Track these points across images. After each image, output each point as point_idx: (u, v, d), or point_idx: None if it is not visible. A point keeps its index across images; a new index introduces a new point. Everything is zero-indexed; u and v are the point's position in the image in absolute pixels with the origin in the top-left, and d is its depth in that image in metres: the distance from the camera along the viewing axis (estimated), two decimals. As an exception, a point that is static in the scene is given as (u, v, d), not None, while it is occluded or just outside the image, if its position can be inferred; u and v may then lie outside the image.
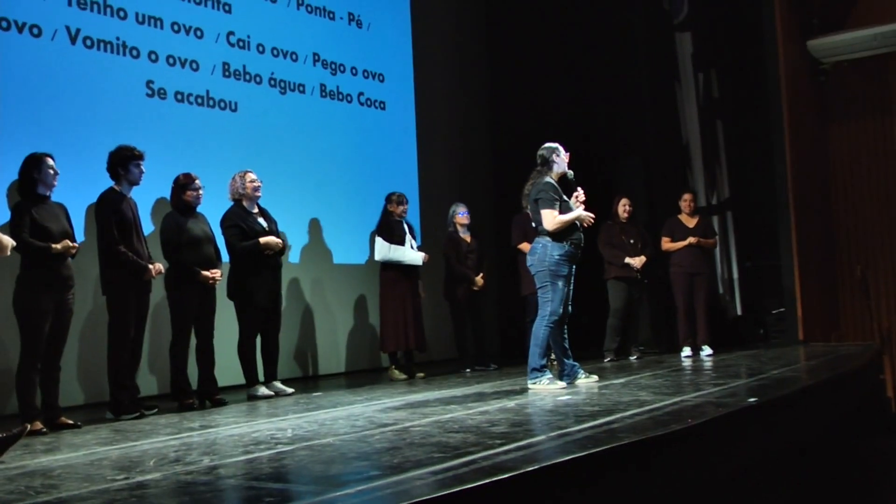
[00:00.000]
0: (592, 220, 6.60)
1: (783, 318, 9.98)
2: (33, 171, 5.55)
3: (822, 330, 10.19)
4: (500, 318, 10.63)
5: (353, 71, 9.43)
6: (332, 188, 9.08)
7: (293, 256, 8.66)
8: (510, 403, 5.63)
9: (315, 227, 8.92)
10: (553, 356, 6.87)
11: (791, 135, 9.87)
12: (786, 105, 9.88)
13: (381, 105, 9.74)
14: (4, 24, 6.65)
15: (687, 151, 10.41)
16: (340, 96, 9.27)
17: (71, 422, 5.62)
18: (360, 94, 9.51)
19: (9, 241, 3.97)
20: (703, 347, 8.80)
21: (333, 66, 9.21)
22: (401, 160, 9.94)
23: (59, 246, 5.48)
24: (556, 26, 10.78)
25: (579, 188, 6.69)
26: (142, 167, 6.15)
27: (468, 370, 8.41)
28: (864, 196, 11.00)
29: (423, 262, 8.15)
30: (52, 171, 5.59)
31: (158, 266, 6.21)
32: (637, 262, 8.78)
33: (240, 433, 5.00)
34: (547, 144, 6.71)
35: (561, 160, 6.65)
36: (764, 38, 9.99)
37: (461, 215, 8.69)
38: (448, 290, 8.67)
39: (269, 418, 5.71)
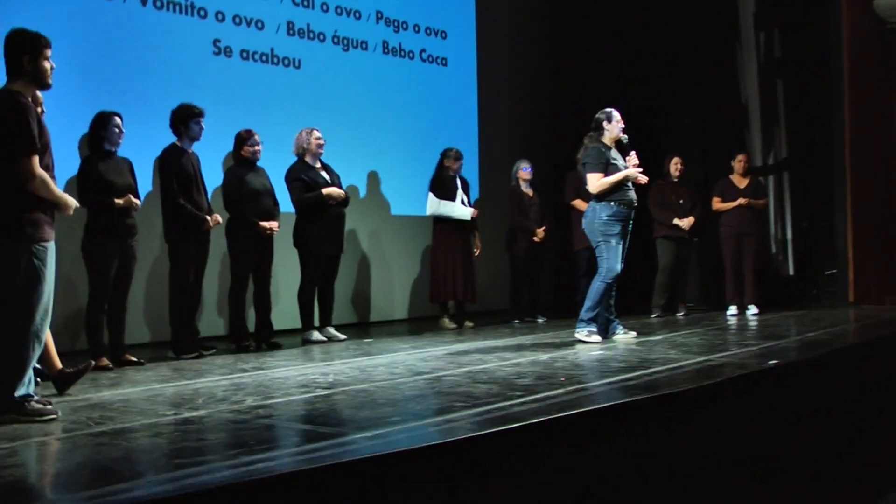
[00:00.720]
0: (646, 180, 6.79)
1: (836, 280, 10.05)
2: (100, 129, 5.96)
3: (875, 293, 10.21)
4: (556, 272, 10.87)
5: (416, 28, 9.68)
6: (392, 143, 9.37)
7: (353, 207, 8.96)
8: (544, 356, 5.92)
9: (374, 179, 9.25)
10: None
11: (851, 96, 9.86)
12: (846, 66, 9.87)
13: (443, 61, 9.98)
14: (80, -14, 7.06)
15: (745, 111, 10.45)
16: (402, 53, 9.53)
17: (135, 359, 6.08)
18: (422, 50, 9.75)
19: (72, 203, 4.35)
20: (750, 307, 8.97)
21: (396, 24, 9.46)
22: (461, 116, 10.18)
23: (121, 201, 5.88)
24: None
25: (633, 152, 6.87)
26: (202, 124, 6.52)
27: (517, 321, 8.71)
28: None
29: (472, 218, 8.43)
30: (117, 130, 5.98)
31: (217, 217, 6.58)
32: (685, 223, 8.96)
33: (286, 376, 5.38)
34: (604, 110, 6.93)
35: (613, 125, 6.85)
36: (827, -3, 9.98)
37: (524, 170, 8.93)
38: (509, 241, 8.96)
39: (317, 363, 6.10)
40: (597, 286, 6.70)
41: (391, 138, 9.36)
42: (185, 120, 6.50)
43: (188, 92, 7.07)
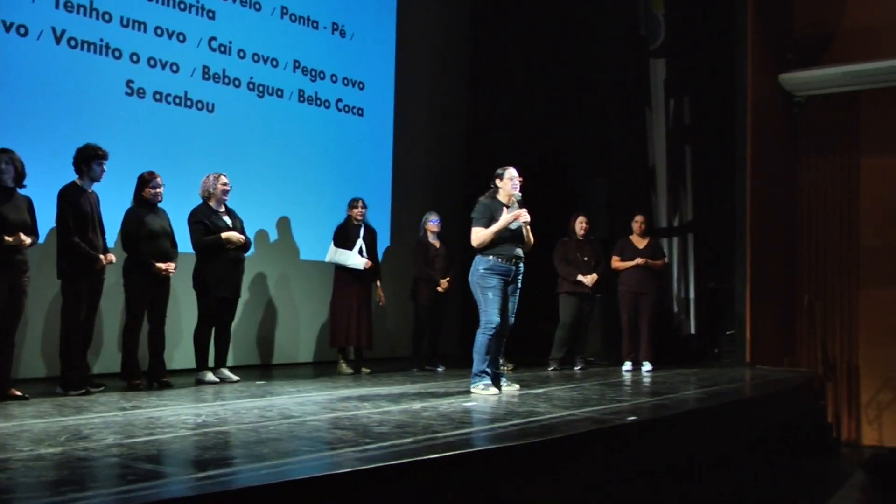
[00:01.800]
0: (517, 217, 6.88)
1: (735, 340, 10.38)
2: (-2, 164, 6.12)
3: (773, 354, 10.57)
4: (462, 323, 11.10)
5: (333, 78, 9.94)
6: (305, 189, 9.59)
7: (263, 252, 9.19)
8: (416, 406, 6.10)
9: (285, 225, 9.45)
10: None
11: (753, 163, 10.27)
12: (750, 134, 10.29)
13: (360, 112, 10.23)
14: (-8, 23, 7.24)
15: (652, 174, 10.81)
16: (318, 102, 9.77)
17: (19, 394, 6.16)
18: (339, 100, 10.01)
19: None
20: (644, 363, 9.27)
21: (313, 73, 9.72)
22: (376, 166, 10.44)
23: (10, 239, 5.99)
24: (535, 46, 11.22)
25: (523, 209, 7.06)
26: (104, 166, 6.68)
27: (416, 369, 8.92)
28: (829, 227, 11.37)
29: (366, 268, 8.63)
30: (10, 167, 6.11)
31: (110, 256, 6.74)
32: (588, 279, 9.24)
33: (159, 416, 5.50)
34: (502, 167, 7.16)
35: (505, 182, 7.06)
36: (735, 69, 10.40)
37: (432, 223, 9.22)
38: (413, 290, 9.22)
39: (197, 403, 6.24)
40: (478, 339, 6.90)
41: (304, 185, 9.58)
42: (88, 160, 6.66)
43: (99, 131, 7.32)
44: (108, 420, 5.32)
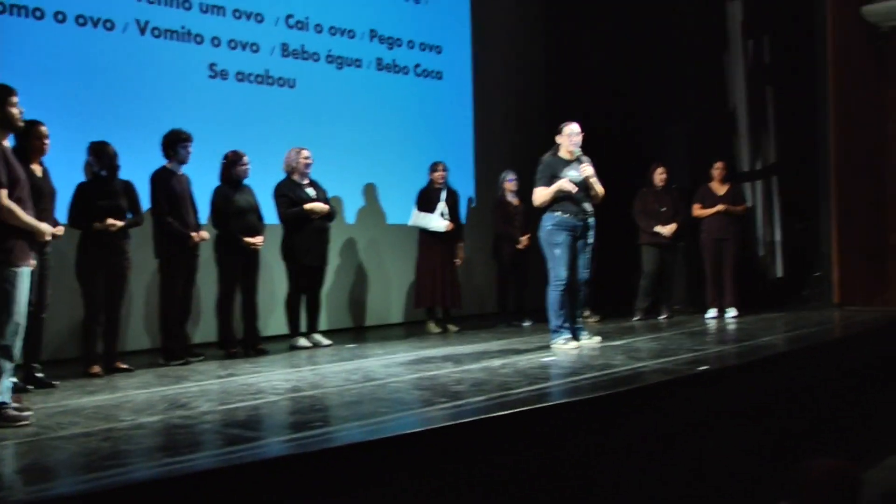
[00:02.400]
0: (569, 187, 6.98)
1: (823, 282, 10.32)
2: (90, 156, 6.54)
3: (863, 294, 10.44)
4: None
5: (410, 44, 10.13)
6: (389, 156, 9.81)
7: (351, 218, 9.52)
8: (496, 363, 6.34)
9: (371, 191, 9.74)
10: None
11: (836, 101, 10.10)
12: (832, 71, 10.10)
13: (438, 75, 10.42)
14: (81, 20, 7.62)
15: (733, 118, 10.75)
16: (397, 69, 9.99)
17: (125, 366, 6.63)
18: (417, 65, 10.20)
19: (45, 228, 4.89)
20: (729, 309, 9.33)
21: (390, 41, 9.93)
22: (457, 127, 10.62)
23: (99, 224, 6.42)
24: (610, -2, 11.22)
25: (584, 164, 7.14)
26: (189, 148, 7.07)
27: (503, 325, 9.16)
28: (919, 162, 11.11)
29: (448, 230, 8.86)
30: (105, 157, 6.53)
31: (202, 234, 7.14)
32: (666, 230, 9.33)
33: (250, 382, 5.86)
34: (564, 123, 7.30)
35: (564, 138, 7.21)
36: (814, 4, 10.23)
37: (509, 181, 9.41)
38: (495, 248, 9.45)
39: (287, 369, 6.60)
40: (549, 295, 7.08)
41: (388, 151, 9.81)
42: (174, 144, 7.05)
43: (187, 114, 7.74)
44: (205, 388, 5.72)
